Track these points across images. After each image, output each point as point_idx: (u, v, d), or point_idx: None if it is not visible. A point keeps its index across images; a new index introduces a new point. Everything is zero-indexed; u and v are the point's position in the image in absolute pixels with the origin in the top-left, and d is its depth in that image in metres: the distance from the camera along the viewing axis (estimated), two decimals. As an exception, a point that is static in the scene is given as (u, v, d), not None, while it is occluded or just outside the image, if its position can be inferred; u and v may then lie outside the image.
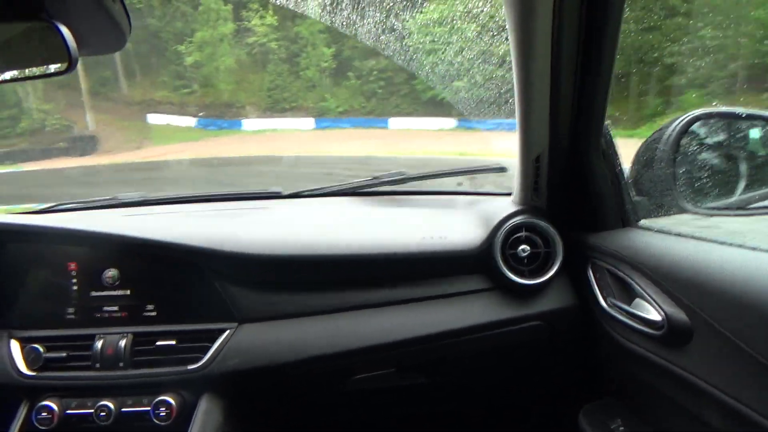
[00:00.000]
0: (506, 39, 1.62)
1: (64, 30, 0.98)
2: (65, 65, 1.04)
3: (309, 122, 29.30)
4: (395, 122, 26.69)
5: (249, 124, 29.98)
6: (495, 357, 2.13)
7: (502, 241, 1.96)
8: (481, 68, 2.32)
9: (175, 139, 28.20)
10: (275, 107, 31.91)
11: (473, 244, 2.01)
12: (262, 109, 32.27)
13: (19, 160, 25.24)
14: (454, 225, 2.15)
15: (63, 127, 29.20)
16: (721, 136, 1.76)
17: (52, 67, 1.07)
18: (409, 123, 25.45)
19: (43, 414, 1.88)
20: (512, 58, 1.65)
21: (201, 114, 31.44)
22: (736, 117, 1.76)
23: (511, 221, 1.97)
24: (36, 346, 1.95)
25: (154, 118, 31.32)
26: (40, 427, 1.88)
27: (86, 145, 27.34)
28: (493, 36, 2.11)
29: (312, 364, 1.95)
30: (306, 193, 2.65)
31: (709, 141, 1.75)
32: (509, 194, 2.18)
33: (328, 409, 2.32)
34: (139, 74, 33.79)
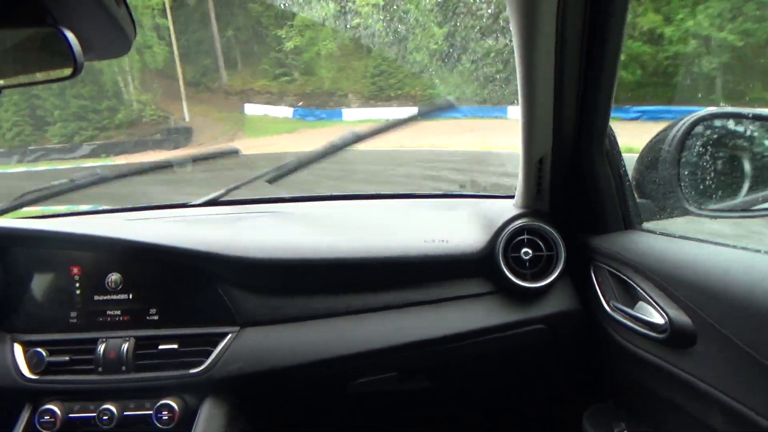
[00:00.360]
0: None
1: (70, 35, 0.98)
2: (70, 70, 1.04)
3: (414, 111, 26.19)
4: (516, 111, 24.26)
5: (350, 114, 27.06)
6: (497, 361, 2.13)
7: (505, 244, 1.95)
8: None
9: (270, 131, 26.99)
10: (379, 95, 29.18)
11: (475, 247, 2.00)
12: (364, 97, 29.59)
13: (113, 153, 25.18)
14: (456, 228, 2.15)
15: (160, 119, 29.05)
16: (726, 137, 1.75)
17: (58, 72, 1.08)
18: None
19: (45, 418, 1.89)
20: (516, 59, 1.64)
21: (300, 104, 29.90)
22: (743, 117, 1.74)
23: (513, 224, 1.97)
24: (39, 349, 1.95)
25: (251, 109, 30.28)
26: (43, 431, 1.89)
27: (180, 137, 27.03)
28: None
29: (314, 368, 1.96)
30: (309, 197, 2.67)
31: (714, 142, 1.74)
32: (511, 197, 2.18)
33: (330, 412, 2.33)
34: (240, 63, 32.83)
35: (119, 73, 29.02)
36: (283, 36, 30.22)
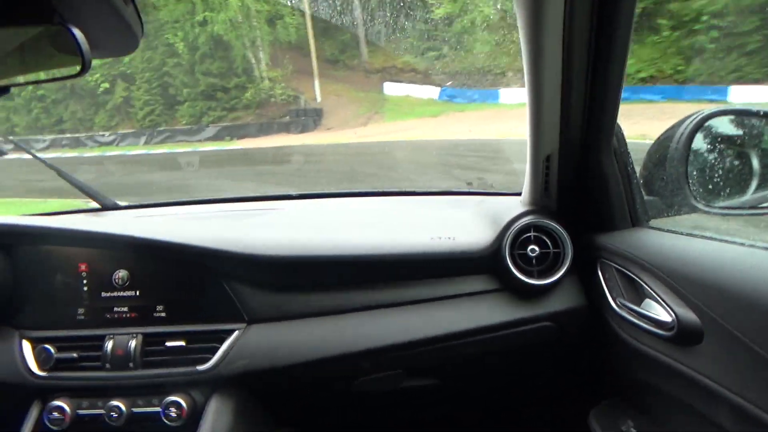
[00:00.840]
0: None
1: (78, 33, 0.98)
2: (78, 68, 1.04)
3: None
4: (740, 91, 18.28)
5: (508, 95, 21.36)
6: (504, 358, 2.13)
7: (511, 241, 1.95)
8: None
9: (411, 114, 23.46)
10: None
11: (482, 244, 2.00)
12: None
13: (236, 136, 23.68)
14: (463, 225, 2.16)
15: (289, 98, 26.20)
16: (734, 134, 1.74)
17: (66, 70, 1.08)
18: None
19: (54, 414, 1.91)
20: (522, 55, 1.64)
21: (448, 83, 24.94)
22: (751, 114, 1.73)
23: (520, 222, 1.96)
24: (47, 346, 1.97)
25: (391, 88, 25.73)
26: (52, 427, 1.91)
27: (309, 119, 24.34)
28: None
29: (320, 365, 1.96)
30: (315, 194, 2.68)
31: (723, 139, 1.73)
32: (518, 194, 2.17)
33: (337, 409, 2.34)
34: (383, 37, 27.53)
35: (249, 48, 26.50)
36: (433, 2, 24.98)
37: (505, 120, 17.61)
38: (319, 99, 25.64)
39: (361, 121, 23.37)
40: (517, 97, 19.14)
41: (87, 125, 26.93)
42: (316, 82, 25.83)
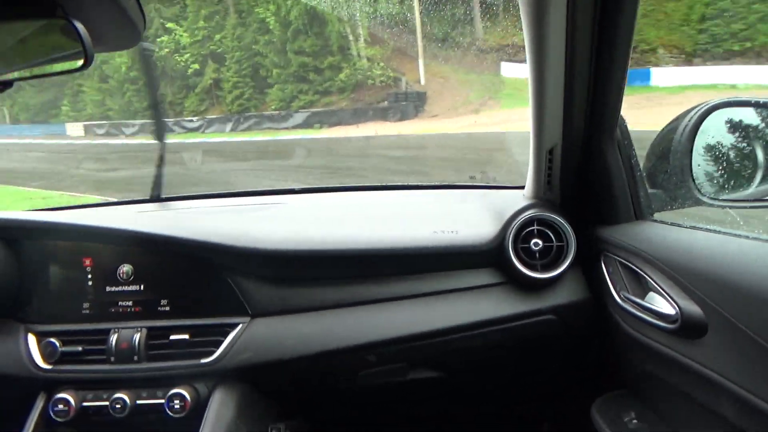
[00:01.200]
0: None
1: (80, 27, 0.98)
2: (81, 62, 1.04)
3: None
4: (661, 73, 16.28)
5: (661, 75, 16.94)
6: (507, 351, 2.13)
7: (514, 235, 1.95)
8: None
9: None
10: (712, 48, 16.51)
11: (485, 238, 2.00)
12: (684, 52, 17.48)
13: (327, 123, 21.97)
14: (466, 219, 2.15)
15: (389, 80, 23.37)
16: (739, 126, 1.72)
17: (69, 64, 1.09)
18: None
19: (59, 406, 1.92)
20: (526, 48, 1.64)
21: None
22: (756, 106, 1.71)
23: (523, 215, 1.96)
24: (52, 340, 1.99)
25: (509, 70, 19.88)
26: (57, 419, 1.93)
27: (409, 105, 21.61)
28: None
29: (324, 358, 1.98)
30: (318, 188, 2.69)
31: (727, 131, 1.72)
32: (521, 187, 2.17)
33: (341, 402, 2.35)
34: (501, 11, 20.31)
35: (347, 22, 23.52)
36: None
37: (662, 107, 13.01)
38: (423, 81, 22.95)
39: (472, 108, 20.23)
40: (672, 78, 16.70)
41: (177, 109, 26.11)
42: (420, 62, 22.62)
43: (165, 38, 24.87)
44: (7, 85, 1.12)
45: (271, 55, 24.81)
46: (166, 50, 24.79)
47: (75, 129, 27.60)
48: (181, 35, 25.09)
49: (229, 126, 24.18)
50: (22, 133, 28.54)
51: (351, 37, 23.69)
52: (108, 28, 1.07)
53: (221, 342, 1.97)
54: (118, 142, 24.48)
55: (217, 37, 25.00)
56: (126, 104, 26.50)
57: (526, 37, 1.61)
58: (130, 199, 2.62)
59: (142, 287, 2.05)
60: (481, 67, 20.80)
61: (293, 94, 24.50)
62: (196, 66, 25.44)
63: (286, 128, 22.59)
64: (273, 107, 24.78)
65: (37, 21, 1.02)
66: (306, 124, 22.26)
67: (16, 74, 1.15)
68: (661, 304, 1.54)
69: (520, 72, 16.19)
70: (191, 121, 24.86)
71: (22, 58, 1.13)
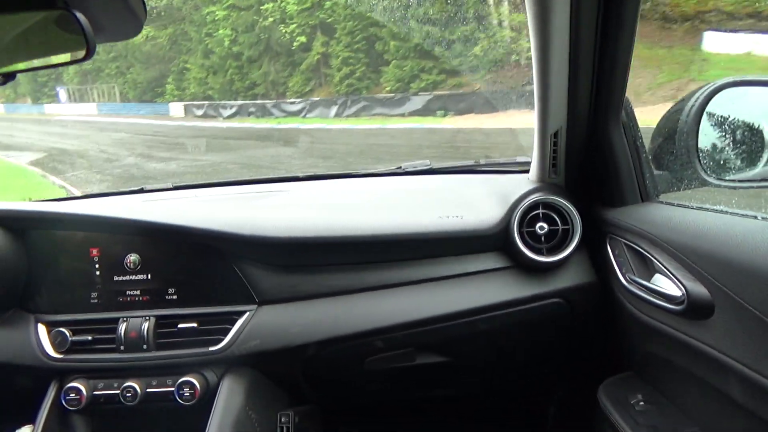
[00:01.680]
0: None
1: (82, 17, 0.97)
2: (83, 52, 1.04)
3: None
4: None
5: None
6: (514, 335, 2.14)
7: (520, 218, 1.94)
8: None
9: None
10: None
11: (490, 222, 2.00)
12: None
13: (454, 110, 18.36)
14: (471, 204, 2.15)
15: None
16: (746, 106, 1.70)
17: (71, 55, 1.09)
18: None
19: (71, 395, 1.96)
20: (530, 29, 1.63)
21: None
22: (762, 85, 1.71)
23: (528, 199, 1.95)
24: (62, 329, 2.01)
25: (716, 42, 13.03)
26: (69, 408, 1.97)
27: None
28: None
29: (331, 344, 2.00)
30: (323, 175, 2.68)
31: (734, 111, 1.69)
32: (527, 171, 2.16)
33: (348, 388, 2.38)
34: None
35: None
36: None
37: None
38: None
39: (662, 94, 13.35)
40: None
41: (280, 89, 24.37)
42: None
43: (269, 5, 23.13)
44: (9, 77, 1.13)
45: (389, 25, 20.18)
46: (271, 19, 23.28)
47: (177, 109, 26.81)
48: (287, 2, 22.81)
49: (333, 110, 21.58)
50: (129, 112, 27.89)
51: (491, 0, 16.92)
52: (109, 18, 1.07)
53: (229, 330, 2.00)
54: (208, 125, 23.32)
55: (328, 4, 22.08)
56: (228, 83, 25.30)
57: (529, 18, 1.60)
58: (135, 189, 2.63)
59: (149, 276, 2.08)
60: (670, 40, 14.83)
61: (413, 73, 20.65)
62: (303, 39, 23.09)
63: (401, 115, 19.48)
64: (387, 88, 21.44)
65: (39, 12, 1.01)
66: (425, 110, 18.96)
67: (19, 65, 1.15)
68: (667, 285, 1.53)
69: (731, 45, 12.62)
70: (293, 103, 23.10)
71: (24, 49, 1.12)
